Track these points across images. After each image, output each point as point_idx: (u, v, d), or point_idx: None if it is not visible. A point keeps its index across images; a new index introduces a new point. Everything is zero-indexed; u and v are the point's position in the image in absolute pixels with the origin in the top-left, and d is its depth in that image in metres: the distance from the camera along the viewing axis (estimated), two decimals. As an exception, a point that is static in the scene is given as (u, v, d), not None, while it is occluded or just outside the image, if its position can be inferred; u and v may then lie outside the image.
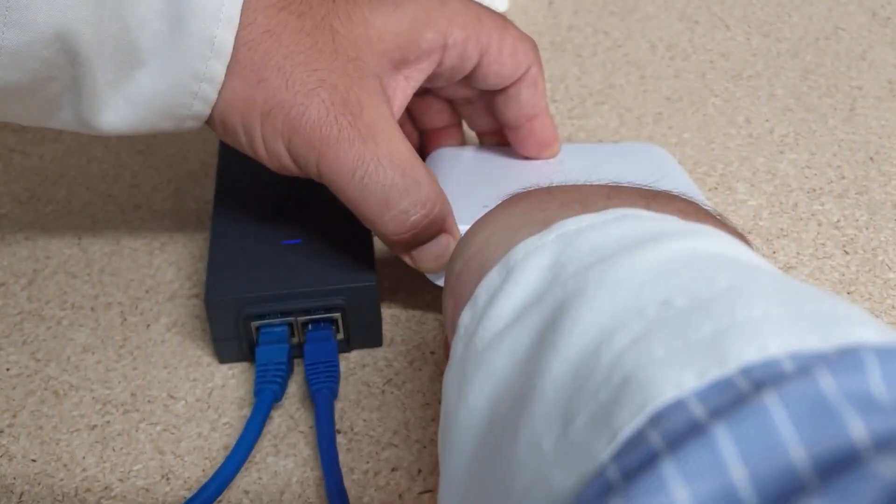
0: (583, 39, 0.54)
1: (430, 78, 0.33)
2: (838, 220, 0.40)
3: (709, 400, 0.14)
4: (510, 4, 0.56)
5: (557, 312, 0.18)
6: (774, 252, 0.39)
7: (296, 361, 0.34)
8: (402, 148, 0.29)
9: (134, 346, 0.35)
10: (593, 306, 0.17)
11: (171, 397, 0.33)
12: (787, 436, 0.13)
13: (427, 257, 0.31)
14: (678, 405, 0.14)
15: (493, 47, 0.33)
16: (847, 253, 0.39)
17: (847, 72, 0.50)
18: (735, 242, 0.20)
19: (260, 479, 0.30)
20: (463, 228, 0.36)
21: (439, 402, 0.33)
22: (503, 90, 0.35)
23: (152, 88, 0.28)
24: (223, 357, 0.34)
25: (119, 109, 0.28)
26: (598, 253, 0.19)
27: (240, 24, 0.28)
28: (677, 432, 0.14)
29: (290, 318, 0.32)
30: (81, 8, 0.25)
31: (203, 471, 0.31)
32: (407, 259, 0.32)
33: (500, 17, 0.34)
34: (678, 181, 0.38)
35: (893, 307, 0.36)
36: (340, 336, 0.33)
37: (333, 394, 0.32)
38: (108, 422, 0.32)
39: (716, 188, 0.42)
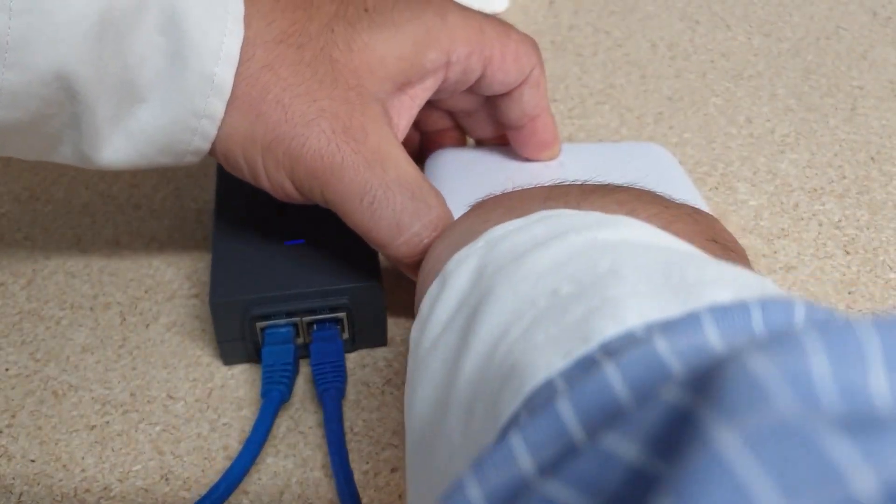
0: (583, 39, 0.53)
1: (435, 92, 0.33)
2: (839, 220, 0.40)
3: (571, 377, 0.15)
4: (510, 4, 0.56)
5: (474, 313, 0.19)
6: (775, 252, 0.39)
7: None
8: (409, 170, 0.29)
9: (133, 346, 0.35)
10: (499, 303, 0.18)
11: (171, 397, 0.33)
12: (619, 391, 0.14)
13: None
14: (547, 385, 0.15)
15: (497, 56, 0.33)
16: (848, 253, 0.39)
17: (848, 72, 0.50)
18: (655, 231, 0.20)
19: (260, 479, 0.30)
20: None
21: (439, 403, 0.33)
22: (506, 94, 0.35)
23: (152, 125, 0.28)
24: (228, 359, 0.34)
25: (119, 145, 0.28)
26: (513, 253, 0.20)
27: (242, 62, 0.28)
28: (537, 408, 0.15)
29: (296, 319, 0.32)
30: (81, 48, 0.25)
31: (202, 471, 0.31)
32: (413, 276, 0.31)
33: (501, 24, 0.34)
34: (677, 181, 0.38)
35: (895, 307, 0.36)
36: (345, 336, 0.33)
37: (341, 393, 0.32)
38: (108, 422, 0.32)
39: (716, 188, 0.42)
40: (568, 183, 0.25)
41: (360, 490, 0.29)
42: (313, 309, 0.32)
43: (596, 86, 0.49)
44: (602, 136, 0.45)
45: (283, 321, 0.32)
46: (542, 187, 0.25)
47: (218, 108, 0.28)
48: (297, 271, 0.33)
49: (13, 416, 0.33)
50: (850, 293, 0.37)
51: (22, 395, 0.33)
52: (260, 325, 0.32)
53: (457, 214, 0.36)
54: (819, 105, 0.47)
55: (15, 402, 0.33)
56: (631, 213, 0.22)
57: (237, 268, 0.33)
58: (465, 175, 0.38)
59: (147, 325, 0.36)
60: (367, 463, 0.31)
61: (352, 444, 0.31)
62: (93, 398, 0.33)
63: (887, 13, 0.55)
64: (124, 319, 0.36)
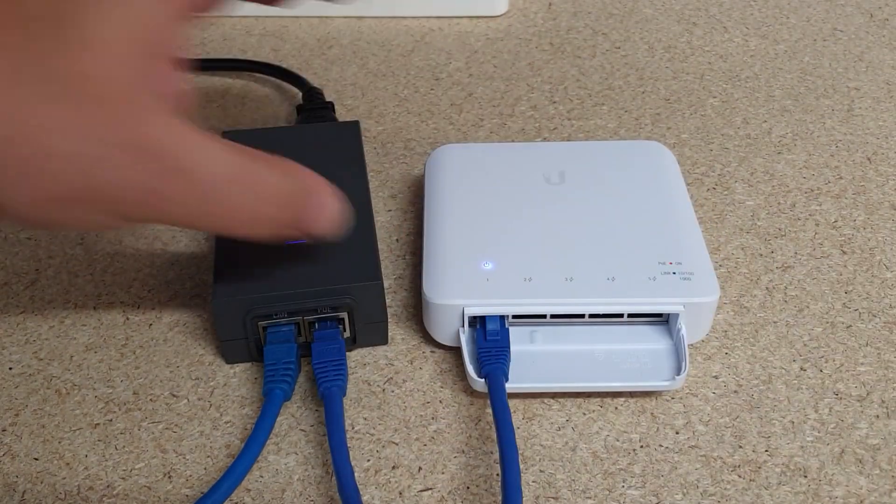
0: (582, 41, 0.54)
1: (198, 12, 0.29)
2: (836, 220, 0.41)
3: None
4: (509, 6, 0.56)
5: None
6: (772, 252, 0.39)
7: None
8: (226, 159, 0.26)
9: (136, 346, 0.35)
10: None
11: (174, 396, 0.33)
12: None
13: (323, 230, 0.29)
14: None
15: None
16: (845, 252, 0.39)
17: (845, 73, 0.50)
18: None
19: (261, 477, 0.30)
20: (461, 230, 0.36)
21: (439, 401, 0.33)
22: None
23: None
24: (229, 358, 0.34)
25: None
26: None
27: None
28: None
29: (297, 318, 0.33)
30: None
31: (205, 469, 0.31)
32: (307, 238, 0.29)
33: None
34: (673, 181, 0.39)
35: (891, 306, 0.36)
36: (347, 334, 0.34)
37: (342, 392, 0.32)
38: (111, 420, 0.33)
39: (714, 188, 0.42)
40: None
41: (361, 487, 0.29)
42: (315, 308, 0.33)
43: (594, 87, 0.50)
44: (601, 137, 0.46)
45: (284, 320, 0.33)
46: None
47: None
48: (298, 271, 0.33)
49: (16, 415, 0.33)
50: (846, 292, 0.37)
51: (25, 394, 0.34)
52: (262, 324, 0.33)
53: (457, 214, 0.37)
54: (816, 106, 0.48)
55: (18, 400, 0.33)
56: None
57: (239, 267, 0.33)
58: (467, 172, 0.39)
59: (150, 325, 0.36)
60: (369, 461, 0.31)
61: (353, 442, 0.31)
62: (96, 397, 0.33)
63: (884, 15, 0.56)
64: (127, 319, 0.36)
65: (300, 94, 0.48)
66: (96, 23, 0.25)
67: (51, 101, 0.24)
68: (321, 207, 0.29)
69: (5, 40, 0.24)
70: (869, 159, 0.44)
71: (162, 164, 0.25)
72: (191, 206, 0.26)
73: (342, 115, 0.48)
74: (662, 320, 0.34)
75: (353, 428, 0.32)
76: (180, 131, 0.26)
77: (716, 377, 0.34)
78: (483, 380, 0.32)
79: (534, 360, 0.33)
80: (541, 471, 0.30)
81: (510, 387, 0.32)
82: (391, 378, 0.34)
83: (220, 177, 0.26)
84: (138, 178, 0.25)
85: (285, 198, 0.28)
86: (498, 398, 0.31)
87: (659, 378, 0.32)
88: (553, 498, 0.30)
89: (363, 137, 0.41)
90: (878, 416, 0.32)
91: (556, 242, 0.35)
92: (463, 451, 0.31)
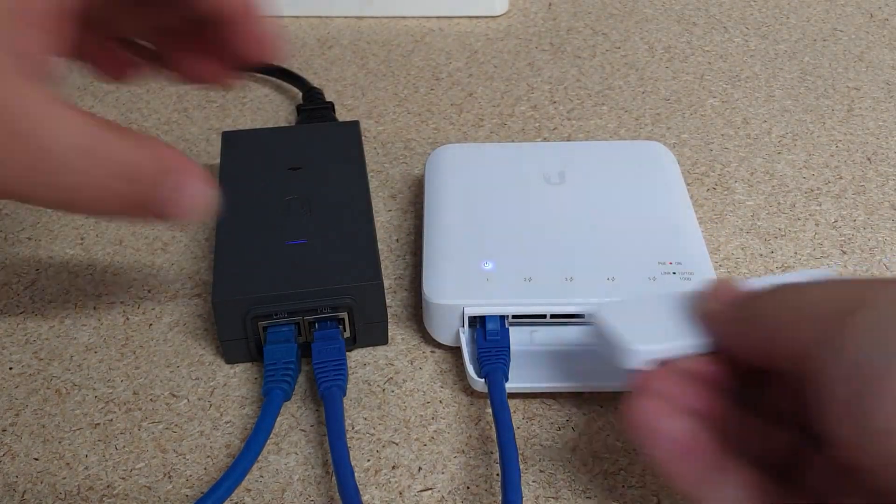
0: (582, 41, 0.54)
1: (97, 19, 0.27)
2: (836, 221, 0.41)
3: None
4: (509, 6, 0.56)
5: None
6: (772, 252, 0.39)
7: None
8: (76, 127, 0.24)
9: (136, 346, 0.35)
10: None
11: (174, 396, 0.33)
12: None
13: (181, 214, 0.26)
14: None
15: None
16: (845, 253, 0.39)
17: (845, 73, 0.50)
18: None
19: (261, 477, 0.30)
20: (461, 230, 0.36)
21: (439, 401, 0.33)
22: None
23: None
24: (230, 357, 0.34)
25: None
26: None
27: None
28: None
29: (297, 318, 0.33)
30: None
31: (205, 469, 0.31)
32: (165, 223, 0.27)
33: None
34: (672, 181, 0.39)
35: (890, 306, 0.36)
36: (347, 334, 0.34)
37: (342, 392, 0.32)
38: (111, 420, 0.33)
39: (714, 188, 0.42)
40: None
41: (360, 487, 0.29)
42: (315, 308, 0.33)
43: (594, 87, 0.50)
44: (600, 138, 0.46)
45: (284, 320, 0.33)
46: None
47: None
48: (298, 271, 0.33)
49: (17, 415, 0.33)
50: (846, 292, 0.37)
51: (25, 394, 0.34)
52: (262, 324, 0.33)
53: (457, 214, 0.36)
54: (816, 106, 0.48)
55: (18, 400, 0.33)
56: None
57: (239, 267, 0.33)
58: (467, 172, 0.39)
59: (150, 325, 0.36)
60: (369, 461, 0.31)
61: (353, 442, 0.31)
62: (96, 397, 0.33)
63: (884, 15, 0.56)
64: (127, 319, 0.37)
65: (300, 94, 0.48)
66: None
67: None
68: (179, 188, 0.25)
69: None
70: (869, 159, 0.44)
71: (11, 135, 0.23)
72: (32, 177, 0.23)
73: (342, 115, 0.48)
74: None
75: (353, 428, 0.32)
76: (30, 93, 0.23)
77: (716, 377, 0.34)
78: (483, 380, 0.32)
79: (534, 360, 0.33)
80: (541, 471, 0.30)
81: (510, 387, 0.32)
82: (391, 378, 0.34)
83: (68, 146, 0.23)
84: None
85: (137, 173, 0.25)
86: (498, 398, 0.31)
87: None
88: (553, 498, 0.30)
89: (363, 137, 0.41)
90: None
91: (556, 242, 0.35)
92: (463, 451, 0.31)
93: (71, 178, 0.24)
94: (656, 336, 0.27)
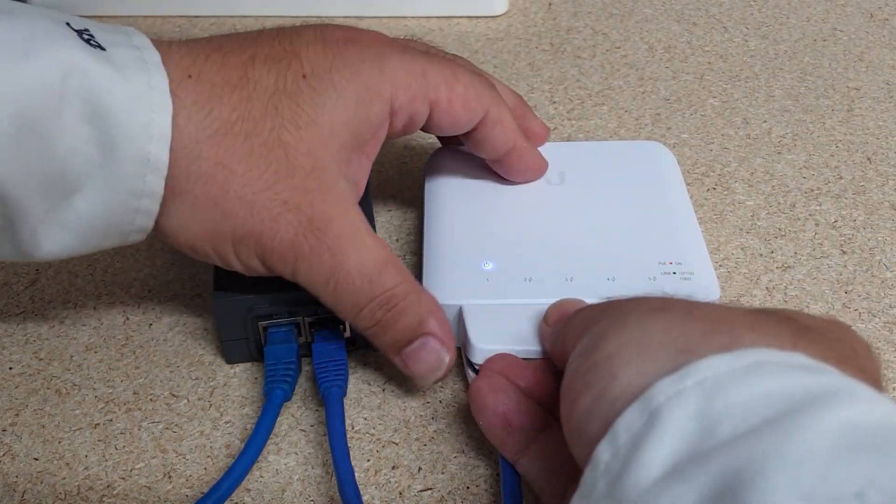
0: (582, 41, 0.54)
1: (388, 136, 0.33)
2: (836, 221, 0.41)
3: None
4: (509, 6, 0.56)
5: (732, 483, 0.18)
6: (772, 252, 0.39)
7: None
8: (369, 256, 0.30)
9: (136, 345, 0.35)
10: (777, 486, 0.17)
11: (174, 396, 0.33)
12: None
13: (416, 363, 0.31)
14: None
15: (443, 100, 0.32)
16: (844, 253, 0.39)
17: (844, 73, 0.50)
18: (884, 399, 0.20)
19: (261, 476, 0.30)
20: (461, 230, 0.36)
21: (439, 401, 0.33)
22: (469, 134, 0.35)
23: (90, 213, 0.28)
24: (230, 358, 0.34)
25: (58, 237, 0.28)
26: (751, 415, 0.19)
27: (187, 157, 0.28)
28: None
29: (298, 318, 0.33)
30: (1, 152, 0.25)
31: (205, 469, 0.31)
32: (401, 365, 0.31)
33: (449, 66, 0.33)
34: (671, 181, 0.39)
35: (891, 306, 0.36)
36: (347, 335, 0.34)
37: (343, 392, 0.32)
38: (111, 420, 0.33)
39: (714, 188, 0.42)
40: (776, 315, 0.24)
41: (360, 487, 0.29)
42: (316, 308, 0.33)
43: (594, 87, 0.50)
44: (600, 138, 0.46)
45: (285, 320, 0.33)
46: (744, 311, 0.24)
47: (157, 184, 0.28)
48: (298, 271, 0.33)
49: (17, 415, 0.33)
50: (846, 292, 0.37)
51: (25, 394, 0.34)
52: (262, 324, 0.33)
53: (457, 214, 0.36)
54: (815, 106, 0.48)
55: (18, 400, 0.33)
56: (839, 364, 0.21)
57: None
58: (466, 173, 0.39)
59: (150, 325, 0.36)
60: (369, 461, 0.31)
61: (353, 442, 0.31)
62: (96, 397, 0.33)
63: (884, 15, 0.56)
64: (127, 318, 0.37)
65: (300, 94, 0.48)
66: (317, 106, 0.30)
67: (251, 156, 0.29)
68: (424, 346, 0.31)
69: (231, 99, 0.29)
70: (869, 159, 0.44)
71: (321, 241, 0.29)
72: (323, 283, 0.30)
73: (342, 115, 0.48)
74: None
75: (353, 428, 0.32)
76: (349, 218, 0.30)
77: (716, 377, 0.34)
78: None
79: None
80: (541, 471, 0.30)
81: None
82: (391, 378, 0.34)
83: (359, 272, 0.30)
84: (297, 241, 0.29)
85: (397, 311, 0.30)
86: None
87: None
88: (553, 498, 0.30)
89: (363, 137, 0.41)
90: (877, 416, 0.32)
91: (555, 242, 0.35)
92: (463, 451, 0.31)
93: (348, 294, 0.30)
94: (499, 339, 0.31)
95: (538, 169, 0.37)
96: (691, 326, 0.23)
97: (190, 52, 0.29)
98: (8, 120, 0.25)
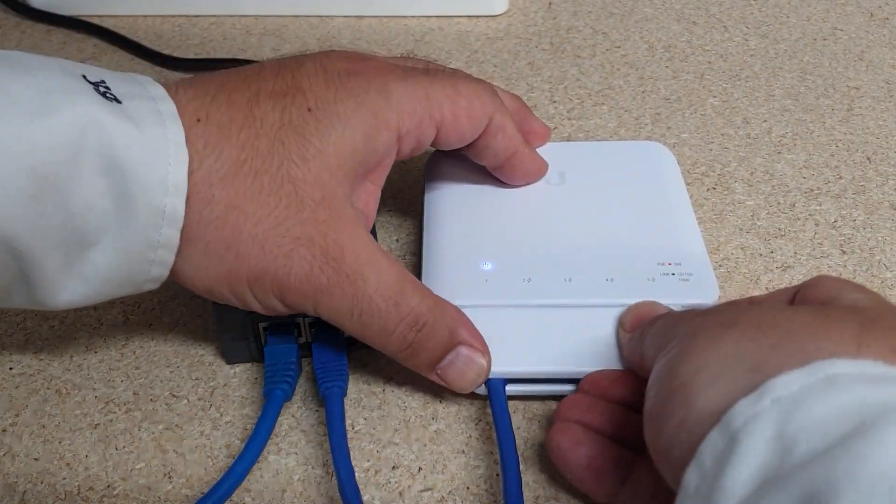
0: (582, 40, 0.54)
1: (395, 159, 0.33)
2: (836, 220, 0.41)
3: None
4: (509, 6, 0.56)
5: None
6: (772, 252, 0.39)
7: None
8: (387, 278, 0.30)
9: (136, 346, 0.35)
10: None
11: (174, 396, 0.33)
12: None
13: (453, 375, 0.31)
14: None
15: (448, 118, 0.32)
16: (844, 252, 0.39)
17: (844, 72, 0.50)
18: None
19: (262, 477, 0.31)
20: (460, 231, 0.36)
21: (439, 402, 0.33)
22: (472, 144, 0.35)
23: (106, 265, 0.28)
24: (230, 358, 0.34)
25: (74, 288, 0.28)
26: (828, 431, 0.19)
27: (200, 202, 0.28)
28: None
29: (298, 318, 0.33)
30: (17, 208, 0.25)
31: (205, 469, 0.31)
32: (437, 380, 0.31)
33: (449, 81, 0.33)
34: (671, 181, 0.39)
35: (890, 306, 0.36)
36: (347, 335, 0.34)
37: (343, 392, 0.32)
38: (111, 420, 0.33)
39: (714, 188, 0.42)
40: (837, 312, 0.24)
41: (361, 487, 0.29)
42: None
43: (594, 87, 0.50)
44: (600, 137, 0.46)
45: (285, 320, 0.33)
46: (809, 312, 0.25)
47: (173, 236, 0.28)
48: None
49: (17, 415, 0.33)
50: (846, 292, 0.37)
51: (26, 394, 0.34)
52: (262, 324, 0.33)
53: (457, 214, 0.36)
54: (815, 106, 0.48)
55: (19, 400, 0.33)
56: None
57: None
58: (466, 174, 0.39)
59: (150, 325, 0.36)
60: (368, 461, 0.31)
61: (353, 442, 0.32)
62: (96, 397, 0.33)
63: (884, 14, 0.56)
64: (127, 319, 0.37)
65: (300, 93, 0.48)
66: (322, 138, 0.30)
67: (261, 195, 0.29)
68: (461, 358, 0.31)
69: (238, 140, 0.29)
70: (869, 159, 0.44)
71: (340, 275, 0.29)
72: (345, 311, 0.29)
73: (342, 114, 0.48)
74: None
75: (353, 428, 0.32)
76: (362, 242, 0.30)
77: (715, 377, 0.34)
78: (483, 384, 0.32)
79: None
80: (540, 471, 0.30)
81: (510, 389, 0.32)
82: (391, 378, 0.34)
83: (380, 296, 0.29)
84: (314, 274, 0.29)
85: (425, 328, 0.30)
86: (498, 402, 0.31)
87: None
88: (553, 498, 0.30)
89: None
90: (877, 417, 0.32)
91: (555, 243, 0.35)
92: (463, 451, 0.31)
93: (373, 317, 0.30)
94: (509, 358, 0.31)
95: (538, 172, 0.38)
96: (760, 340, 0.23)
97: (197, 93, 0.29)
98: (25, 176, 0.25)
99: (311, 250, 0.29)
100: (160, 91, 0.29)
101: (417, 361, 0.31)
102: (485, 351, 0.31)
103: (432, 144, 0.34)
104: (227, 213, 0.28)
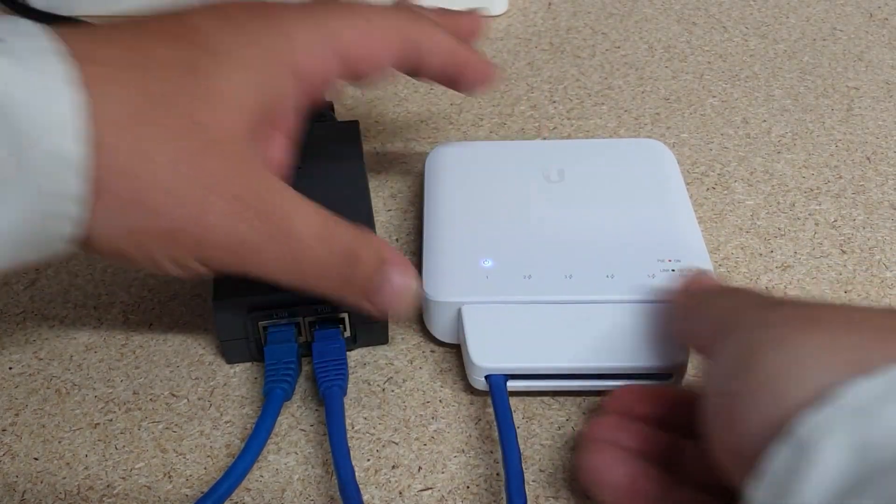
0: (581, 41, 0.54)
1: (311, 102, 0.31)
2: (835, 220, 0.41)
3: None
4: (509, 6, 0.56)
5: None
6: (772, 251, 0.39)
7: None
8: (315, 219, 0.28)
9: (136, 345, 0.35)
10: None
11: (174, 395, 0.33)
12: None
13: (389, 298, 0.29)
14: None
15: (351, 47, 0.30)
16: (844, 252, 0.39)
17: (844, 72, 0.50)
18: None
19: (261, 476, 0.31)
20: (460, 228, 0.36)
21: (439, 401, 0.33)
22: (413, 69, 0.33)
23: (8, 222, 0.24)
24: (230, 358, 0.34)
25: None
26: None
27: (102, 150, 0.24)
28: None
29: (298, 318, 0.33)
30: None
31: (205, 469, 0.31)
32: (370, 308, 0.30)
33: (352, 9, 0.31)
34: (671, 180, 0.39)
35: (891, 306, 0.36)
36: (347, 334, 0.34)
37: (343, 391, 0.32)
38: (111, 420, 0.33)
39: (714, 188, 0.42)
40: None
41: (361, 487, 0.29)
42: (315, 308, 0.33)
43: (594, 87, 0.50)
44: (600, 137, 0.46)
45: (285, 320, 0.33)
46: (880, 315, 0.23)
47: (77, 185, 0.24)
48: (298, 270, 0.33)
49: (17, 415, 0.33)
50: (846, 292, 0.37)
51: (25, 394, 0.34)
52: (262, 324, 0.33)
53: (457, 212, 0.37)
54: (815, 106, 0.48)
55: (18, 400, 0.33)
56: None
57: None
58: (465, 171, 0.39)
59: (150, 324, 0.36)
60: (368, 460, 0.31)
61: (353, 442, 0.32)
62: (96, 396, 0.33)
63: (883, 14, 0.56)
64: (127, 318, 0.37)
65: (300, 94, 0.48)
66: (222, 79, 0.27)
67: (168, 141, 0.26)
68: (391, 279, 0.29)
69: (134, 80, 0.26)
70: (868, 159, 0.44)
71: (264, 221, 0.27)
72: (280, 260, 0.28)
73: (342, 115, 0.48)
74: (662, 320, 0.34)
75: (353, 428, 0.32)
76: (280, 190, 0.28)
77: (716, 376, 0.34)
78: (484, 379, 0.32)
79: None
80: (541, 470, 0.30)
81: (511, 385, 0.32)
82: (391, 377, 0.34)
83: (310, 235, 0.28)
84: (237, 228, 0.27)
85: (358, 259, 0.29)
86: (499, 398, 0.31)
87: (660, 377, 0.32)
88: (553, 498, 0.30)
89: (363, 137, 0.41)
90: (877, 416, 0.32)
91: (555, 240, 0.35)
92: (463, 451, 0.31)
93: (309, 260, 0.28)
94: (511, 353, 0.32)
95: (487, 71, 0.35)
96: (837, 343, 0.22)
97: (92, 37, 0.26)
98: None
99: (225, 198, 0.26)
100: (49, 32, 0.25)
101: (355, 295, 0.29)
102: (409, 268, 0.30)
103: (350, 82, 0.32)
104: (133, 162, 0.25)
